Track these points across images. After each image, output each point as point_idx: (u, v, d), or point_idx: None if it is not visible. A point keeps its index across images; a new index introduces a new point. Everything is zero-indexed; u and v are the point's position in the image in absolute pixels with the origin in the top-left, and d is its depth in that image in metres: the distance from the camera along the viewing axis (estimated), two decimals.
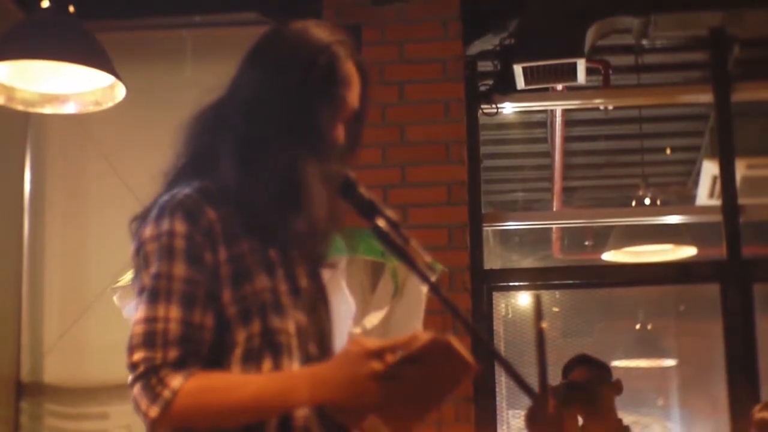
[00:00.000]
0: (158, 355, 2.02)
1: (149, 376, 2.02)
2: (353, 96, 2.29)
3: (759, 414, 4.55)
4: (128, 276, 3.69)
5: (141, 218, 2.22)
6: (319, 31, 2.28)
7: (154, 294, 2.07)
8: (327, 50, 2.25)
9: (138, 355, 2.03)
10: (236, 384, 2.05)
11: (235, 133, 2.21)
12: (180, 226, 2.10)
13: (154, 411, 2.00)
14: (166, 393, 2.00)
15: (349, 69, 2.28)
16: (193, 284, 2.08)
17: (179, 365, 2.03)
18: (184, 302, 2.07)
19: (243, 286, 2.13)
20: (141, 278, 2.12)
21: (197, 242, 2.10)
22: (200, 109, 2.30)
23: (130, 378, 2.05)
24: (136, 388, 2.03)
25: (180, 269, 2.08)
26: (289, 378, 2.08)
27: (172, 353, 2.03)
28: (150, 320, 2.05)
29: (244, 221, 2.16)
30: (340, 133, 2.28)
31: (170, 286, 2.07)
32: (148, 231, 2.13)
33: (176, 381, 2.01)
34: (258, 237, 2.17)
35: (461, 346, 2.06)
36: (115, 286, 3.84)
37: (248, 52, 2.30)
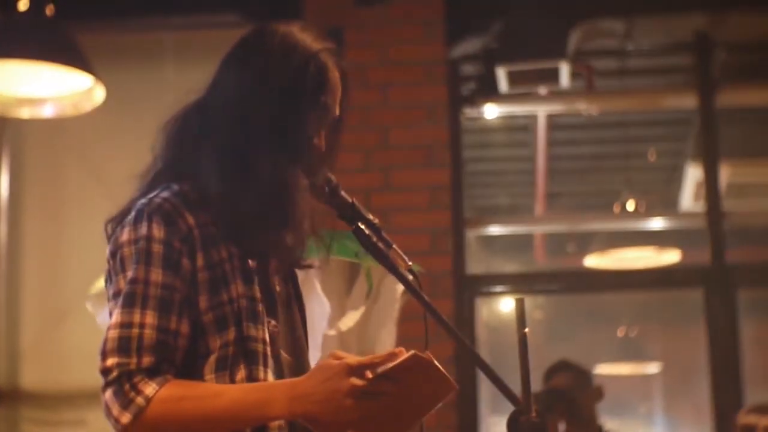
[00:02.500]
0: (132, 361, 2.00)
1: (122, 381, 1.99)
2: (336, 104, 2.26)
3: (744, 419, 4.54)
4: (101, 283, 3.65)
5: (116, 220, 2.18)
6: (307, 36, 2.23)
7: (130, 299, 2.04)
8: (316, 57, 2.21)
9: (111, 361, 2.00)
10: (212, 393, 2.02)
11: (219, 136, 2.17)
12: (158, 231, 2.07)
13: (125, 417, 1.97)
14: (139, 400, 1.98)
15: (336, 77, 2.25)
16: (169, 290, 2.05)
17: (153, 372, 2.00)
18: (160, 308, 2.04)
19: (219, 293, 2.10)
20: (116, 282, 2.09)
21: (175, 248, 2.07)
22: (179, 110, 2.25)
23: (101, 383, 2.02)
24: (108, 393, 2.00)
25: (157, 275, 2.05)
26: (267, 389, 2.05)
27: (146, 360, 2.00)
28: (125, 325, 2.02)
29: (223, 227, 2.13)
30: (322, 141, 2.24)
31: (146, 291, 2.04)
32: (125, 235, 2.09)
33: (150, 388, 1.98)
34: (236, 243, 2.14)
35: (440, 365, 2.03)
36: (89, 294, 3.79)
37: (231, 54, 2.25)
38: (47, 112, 4.59)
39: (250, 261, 2.15)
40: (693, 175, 6.87)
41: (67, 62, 4.33)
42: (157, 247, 2.06)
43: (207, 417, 2.00)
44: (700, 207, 6.17)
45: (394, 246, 2.23)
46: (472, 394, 5.49)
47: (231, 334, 2.09)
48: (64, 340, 5.55)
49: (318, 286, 3.28)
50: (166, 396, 1.99)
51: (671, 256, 6.83)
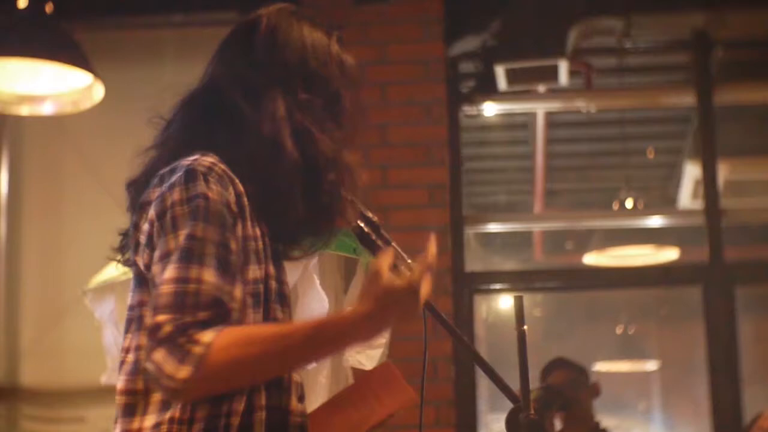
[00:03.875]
0: (187, 318, 1.87)
1: (175, 337, 1.85)
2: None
3: (763, 421, 4.52)
4: (99, 278, 3.65)
5: (139, 182, 2.13)
6: (323, 27, 2.30)
7: (187, 254, 1.92)
8: (334, 37, 2.27)
9: (163, 316, 1.86)
10: (282, 333, 1.93)
11: (258, 116, 2.12)
12: (215, 192, 1.98)
13: (184, 372, 1.83)
14: (198, 349, 1.83)
15: (351, 58, 2.30)
16: (226, 250, 1.96)
17: (206, 324, 1.87)
18: (218, 267, 1.93)
19: (255, 269, 2.05)
20: (165, 242, 1.96)
21: (232, 210, 2.00)
22: (195, 89, 2.22)
23: (150, 342, 1.87)
24: (159, 354, 1.84)
25: (215, 233, 1.95)
26: (337, 324, 1.97)
27: (203, 315, 1.87)
28: (182, 281, 1.90)
29: (258, 203, 2.09)
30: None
31: (204, 248, 1.93)
32: (177, 194, 1.98)
33: (207, 336, 1.85)
34: (267, 222, 2.11)
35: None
36: (86, 289, 3.79)
37: (248, 36, 2.24)
38: (47, 109, 4.60)
39: (276, 242, 2.13)
40: (691, 172, 6.88)
41: (66, 60, 4.34)
42: (215, 207, 1.97)
43: (282, 357, 1.92)
44: (698, 204, 6.17)
45: (393, 243, 2.24)
46: (470, 392, 5.49)
47: (258, 316, 2.03)
48: (64, 337, 5.54)
49: (317, 282, 3.28)
50: (228, 342, 1.86)
51: (670, 254, 6.84)
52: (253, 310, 2.02)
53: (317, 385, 3.46)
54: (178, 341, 1.84)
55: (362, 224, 2.22)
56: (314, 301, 3.26)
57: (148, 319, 1.89)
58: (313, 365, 3.27)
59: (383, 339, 3.56)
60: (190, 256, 1.92)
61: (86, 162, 5.67)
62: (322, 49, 2.23)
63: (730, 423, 5.41)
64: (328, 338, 1.93)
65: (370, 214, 2.25)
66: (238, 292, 1.96)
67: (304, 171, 2.11)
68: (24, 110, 4.58)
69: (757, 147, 7.01)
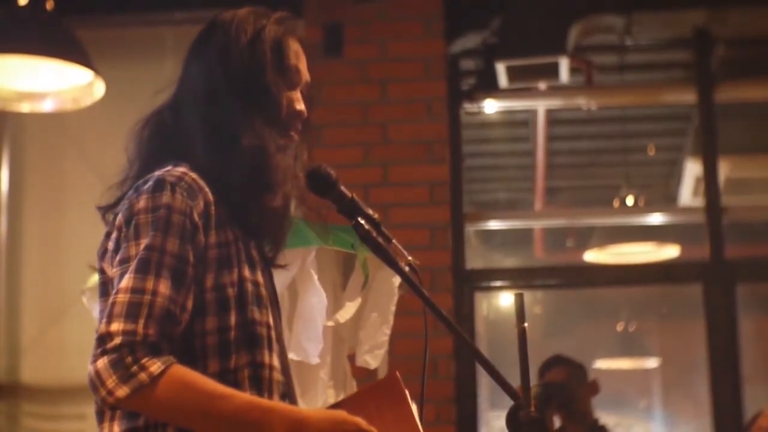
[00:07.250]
0: (139, 329, 1.94)
1: (123, 353, 1.93)
2: (304, 67, 2.31)
3: (763, 420, 4.52)
4: (97, 277, 3.64)
5: (110, 206, 2.21)
6: (257, 11, 2.31)
7: (144, 265, 2.00)
8: (268, 26, 2.27)
9: (116, 326, 1.94)
10: (218, 394, 1.98)
11: (197, 118, 2.20)
12: (179, 202, 2.06)
13: (122, 391, 1.92)
14: (143, 376, 1.92)
15: (294, 42, 2.30)
16: (184, 262, 2.04)
17: (155, 349, 1.95)
18: (173, 279, 2.01)
19: (224, 274, 2.10)
20: (127, 248, 2.05)
21: (194, 221, 2.07)
22: (154, 109, 2.29)
23: (96, 349, 1.95)
24: (103, 362, 1.93)
25: (173, 245, 2.03)
26: (271, 411, 2.02)
27: (152, 331, 1.95)
28: (137, 291, 1.98)
29: (222, 203, 2.14)
30: (300, 102, 2.29)
31: (162, 259, 2.01)
32: (143, 202, 2.07)
33: (155, 366, 1.93)
34: (238, 227, 2.16)
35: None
36: (85, 288, 3.79)
37: (192, 47, 2.33)
38: (47, 106, 4.60)
39: (251, 246, 2.17)
40: (692, 170, 6.88)
41: (67, 57, 4.34)
42: (177, 218, 2.05)
43: (206, 415, 1.97)
44: (699, 202, 6.17)
45: (393, 241, 2.24)
46: (471, 389, 5.49)
47: (232, 318, 2.08)
48: (64, 334, 5.55)
49: (315, 277, 3.28)
50: (172, 380, 1.94)
51: (670, 251, 6.83)
52: (217, 315, 2.07)
53: (318, 381, 3.46)
54: (125, 359, 1.93)
55: (362, 221, 2.23)
56: (313, 296, 3.27)
57: (101, 326, 1.96)
58: (316, 360, 3.28)
59: (385, 337, 3.56)
60: (148, 266, 2.00)
61: (87, 159, 5.67)
62: (255, 36, 2.25)
63: (730, 421, 5.41)
64: (253, 420, 1.98)
65: (370, 211, 2.25)
66: (190, 303, 2.04)
67: (245, 156, 2.15)
68: (25, 107, 4.58)
69: (757, 144, 7.01)
